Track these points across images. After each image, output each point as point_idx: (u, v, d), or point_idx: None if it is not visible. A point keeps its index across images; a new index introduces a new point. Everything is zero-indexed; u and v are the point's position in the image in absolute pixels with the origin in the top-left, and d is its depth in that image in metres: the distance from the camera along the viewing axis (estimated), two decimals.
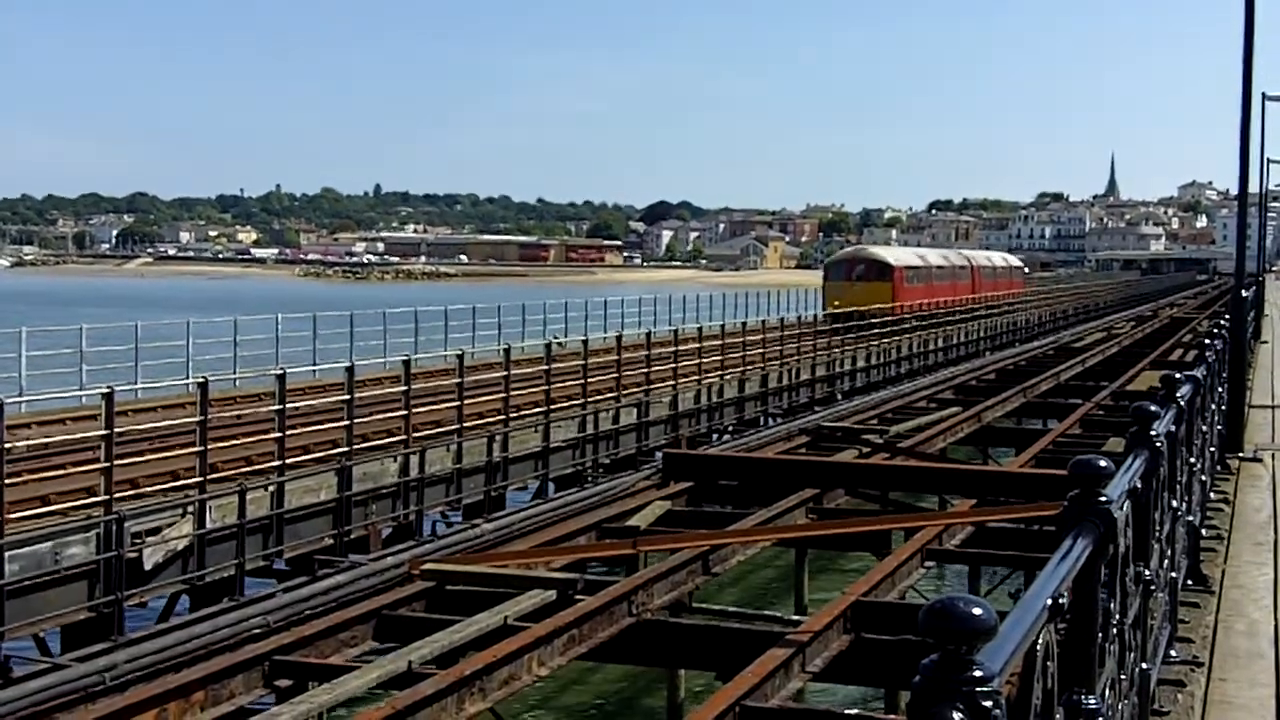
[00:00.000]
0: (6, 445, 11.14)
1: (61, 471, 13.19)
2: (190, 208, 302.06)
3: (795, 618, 11.60)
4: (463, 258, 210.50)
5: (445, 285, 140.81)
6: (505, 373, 18.05)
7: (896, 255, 48.58)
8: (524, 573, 11.60)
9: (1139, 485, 4.62)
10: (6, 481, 11.02)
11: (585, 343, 20.46)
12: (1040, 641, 2.61)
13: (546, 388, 18.83)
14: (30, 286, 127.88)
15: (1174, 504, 6.47)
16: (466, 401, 17.18)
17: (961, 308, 46.21)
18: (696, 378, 24.03)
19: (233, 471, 13.87)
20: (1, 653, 10.88)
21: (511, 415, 17.78)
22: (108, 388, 12.55)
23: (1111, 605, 3.92)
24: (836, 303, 40.45)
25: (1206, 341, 11.78)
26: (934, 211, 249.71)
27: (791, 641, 9.36)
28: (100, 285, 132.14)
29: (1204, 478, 9.46)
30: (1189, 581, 7.87)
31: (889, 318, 36.70)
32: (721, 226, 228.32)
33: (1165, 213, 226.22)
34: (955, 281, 51.01)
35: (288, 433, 14.01)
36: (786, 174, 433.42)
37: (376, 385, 20.24)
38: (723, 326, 29.41)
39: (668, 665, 11.78)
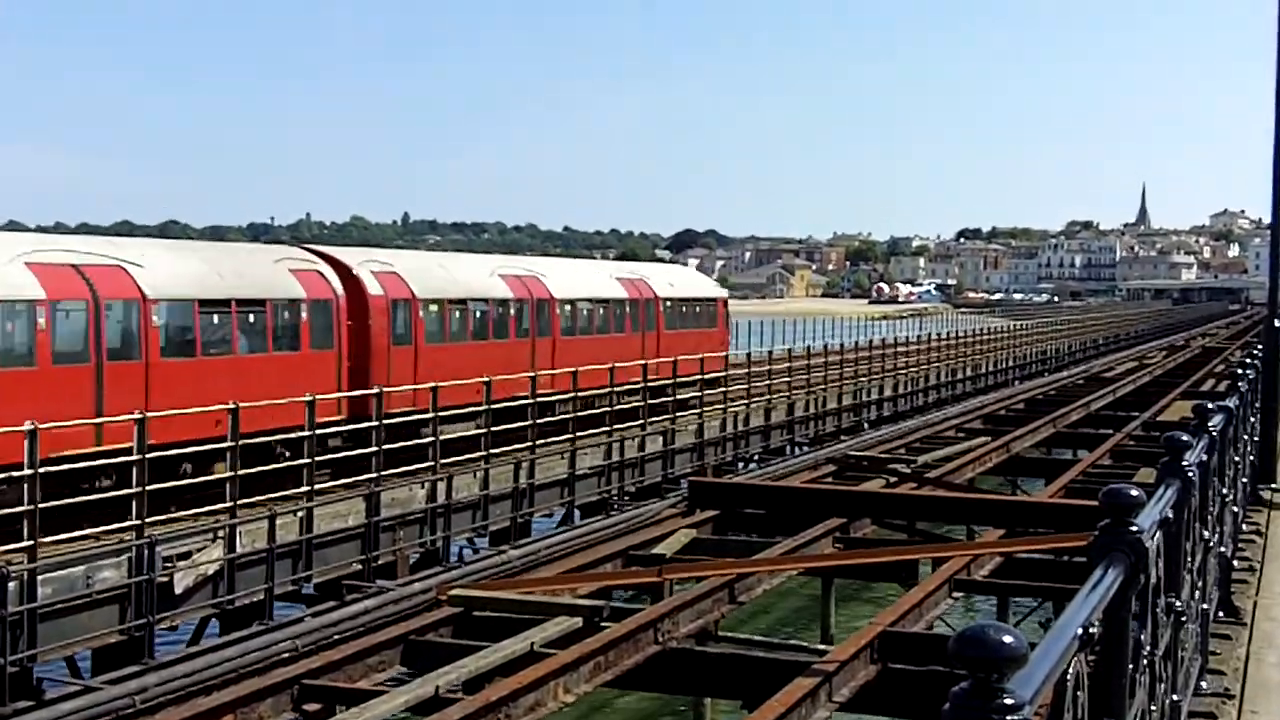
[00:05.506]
0: (41, 470, 11.27)
1: (94, 496, 13.28)
2: (221, 236, 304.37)
3: (822, 647, 11.55)
4: None
5: None
6: (532, 400, 18.11)
7: None
8: (550, 599, 11.61)
9: (1170, 516, 4.60)
10: (40, 505, 11.15)
11: (611, 371, 20.49)
12: (1070, 671, 2.62)
13: (572, 415, 18.87)
14: None
15: (1205, 535, 6.43)
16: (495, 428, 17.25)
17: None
18: (722, 405, 24.01)
19: (263, 496, 13.96)
20: (34, 674, 10.99)
21: (538, 442, 17.83)
22: (140, 413, 12.68)
23: (1142, 636, 3.90)
24: None
25: (1239, 372, 11.71)
26: (962, 240, 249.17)
27: (818, 671, 9.32)
28: None
29: (1236, 509, 9.39)
30: (1220, 613, 7.81)
31: None
32: (748, 255, 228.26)
33: (1197, 241, 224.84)
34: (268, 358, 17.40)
35: (316, 458, 14.11)
36: (813, 202, 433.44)
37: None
38: (748, 355, 29.39)
39: (694, 694, 11.76)
